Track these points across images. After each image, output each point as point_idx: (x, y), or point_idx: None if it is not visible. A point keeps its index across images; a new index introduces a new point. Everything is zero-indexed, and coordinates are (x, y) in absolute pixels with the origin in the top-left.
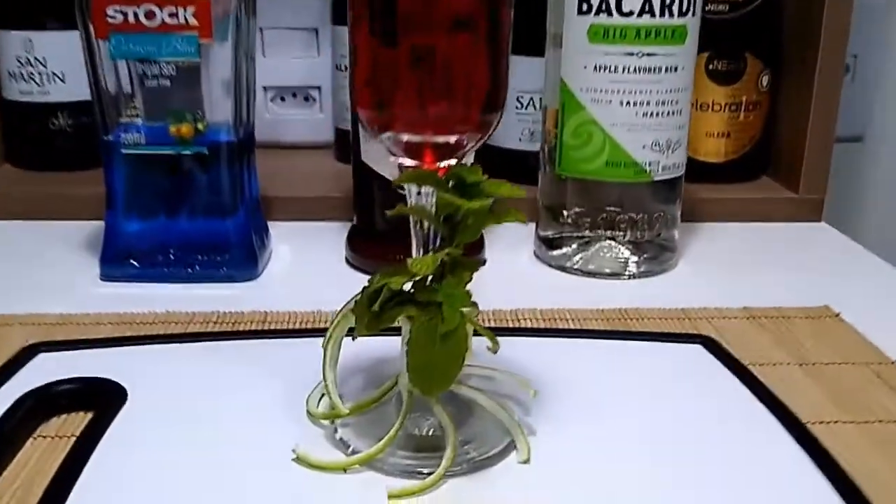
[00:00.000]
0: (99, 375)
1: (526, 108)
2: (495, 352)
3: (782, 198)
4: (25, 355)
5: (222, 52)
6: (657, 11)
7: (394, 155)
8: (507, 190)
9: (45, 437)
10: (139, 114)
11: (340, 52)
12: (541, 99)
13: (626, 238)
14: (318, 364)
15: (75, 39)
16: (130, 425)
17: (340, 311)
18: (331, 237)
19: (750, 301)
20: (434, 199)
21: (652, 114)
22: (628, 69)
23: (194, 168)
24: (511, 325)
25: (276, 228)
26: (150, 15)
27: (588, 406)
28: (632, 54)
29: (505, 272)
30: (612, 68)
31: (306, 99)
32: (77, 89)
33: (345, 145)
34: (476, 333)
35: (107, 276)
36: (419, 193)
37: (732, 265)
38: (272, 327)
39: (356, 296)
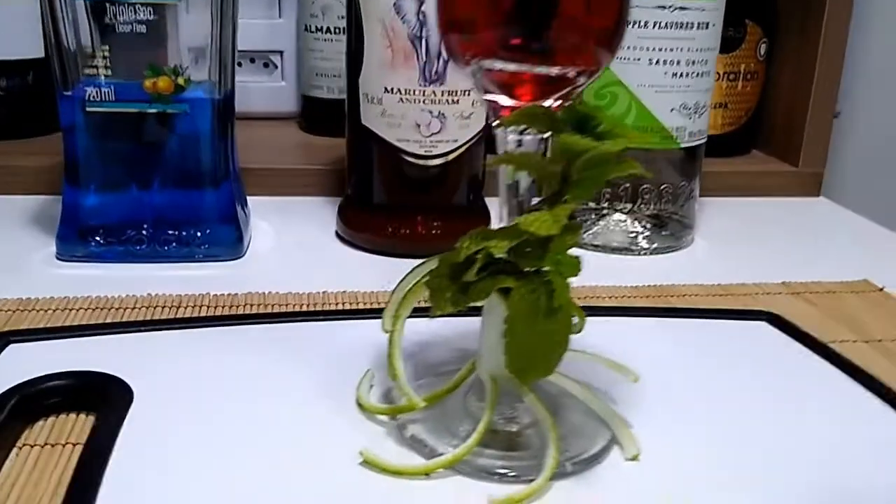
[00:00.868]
0: (87, 369)
1: None
2: (579, 331)
3: (782, 171)
4: None
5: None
6: None
7: (487, 91)
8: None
9: (32, 445)
10: (108, 65)
11: (310, 10)
12: None
13: (648, 211)
14: (344, 348)
15: None
16: (145, 428)
17: (399, 285)
18: (313, 211)
19: (783, 276)
20: (546, 146)
21: (681, 74)
22: (659, 24)
23: (171, 130)
24: None
25: (250, 203)
26: None
27: (677, 391)
28: (664, 7)
29: None
30: (643, 23)
31: (266, 65)
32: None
33: (313, 115)
34: None
35: (64, 255)
36: (520, 144)
37: (749, 240)
38: (276, 310)
39: (418, 267)
